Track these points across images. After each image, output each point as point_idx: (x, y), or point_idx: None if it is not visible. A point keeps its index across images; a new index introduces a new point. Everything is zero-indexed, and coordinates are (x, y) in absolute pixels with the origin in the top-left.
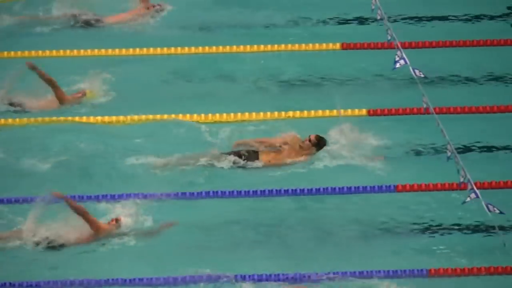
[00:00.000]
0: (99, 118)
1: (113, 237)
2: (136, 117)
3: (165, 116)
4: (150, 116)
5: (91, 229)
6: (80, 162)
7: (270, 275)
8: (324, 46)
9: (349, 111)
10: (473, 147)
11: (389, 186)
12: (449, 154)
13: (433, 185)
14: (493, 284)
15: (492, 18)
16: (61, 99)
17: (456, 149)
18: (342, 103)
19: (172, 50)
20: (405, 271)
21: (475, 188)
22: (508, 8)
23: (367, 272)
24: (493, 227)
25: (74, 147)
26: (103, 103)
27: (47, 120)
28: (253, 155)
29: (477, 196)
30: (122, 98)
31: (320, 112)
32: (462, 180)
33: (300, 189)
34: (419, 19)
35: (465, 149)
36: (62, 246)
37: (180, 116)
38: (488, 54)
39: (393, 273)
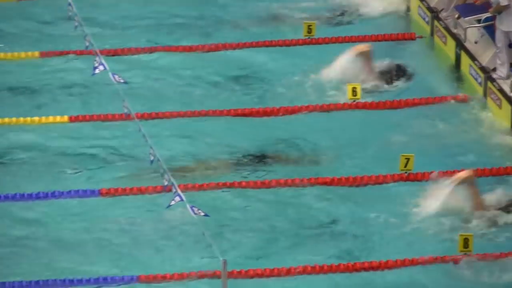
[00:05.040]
0: None
1: None
2: None
3: None
4: None
5: None
6: None
7: None
8: (23, 54)
9: (51, 118)
10: None
11: (93, 190)
12: (152, 158)
13: (137, 188)
14: None
15: None
16: None
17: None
18: (39, 111)
19: None
20: None
21: (179, 191)
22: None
23: None
24: None
25: None
26: None
27: None
28: None
29: (182, 199)
30: None
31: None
32: (166, 183)
33: None
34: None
35: None
36: None
37: None
38: None
39: None
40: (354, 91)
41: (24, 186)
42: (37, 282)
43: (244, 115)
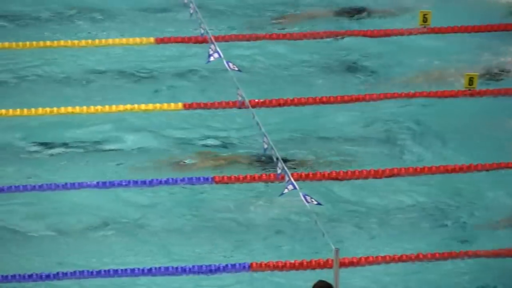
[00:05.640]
0: None
1: None
2: None
3: None
4: None
5: None
6: None
7: None
8: (138, 40)
9: (165, 105)
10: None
11: (207, 178)
12: (265, 146)
13: (250, 176)
14: None
15: None
16: None
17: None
18: (157, 98)
19: None
20: None
21: (292, 179)
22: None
23: None
24: None
25: None
26: None
27: None
28: None
29: (295, 188)
30: None
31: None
32: (279, 171)
33: None
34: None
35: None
36: None
37: None
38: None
39: None
40: (470, 81)
41: (138, 173)
42: (149, 268)
43: (357, 100)
